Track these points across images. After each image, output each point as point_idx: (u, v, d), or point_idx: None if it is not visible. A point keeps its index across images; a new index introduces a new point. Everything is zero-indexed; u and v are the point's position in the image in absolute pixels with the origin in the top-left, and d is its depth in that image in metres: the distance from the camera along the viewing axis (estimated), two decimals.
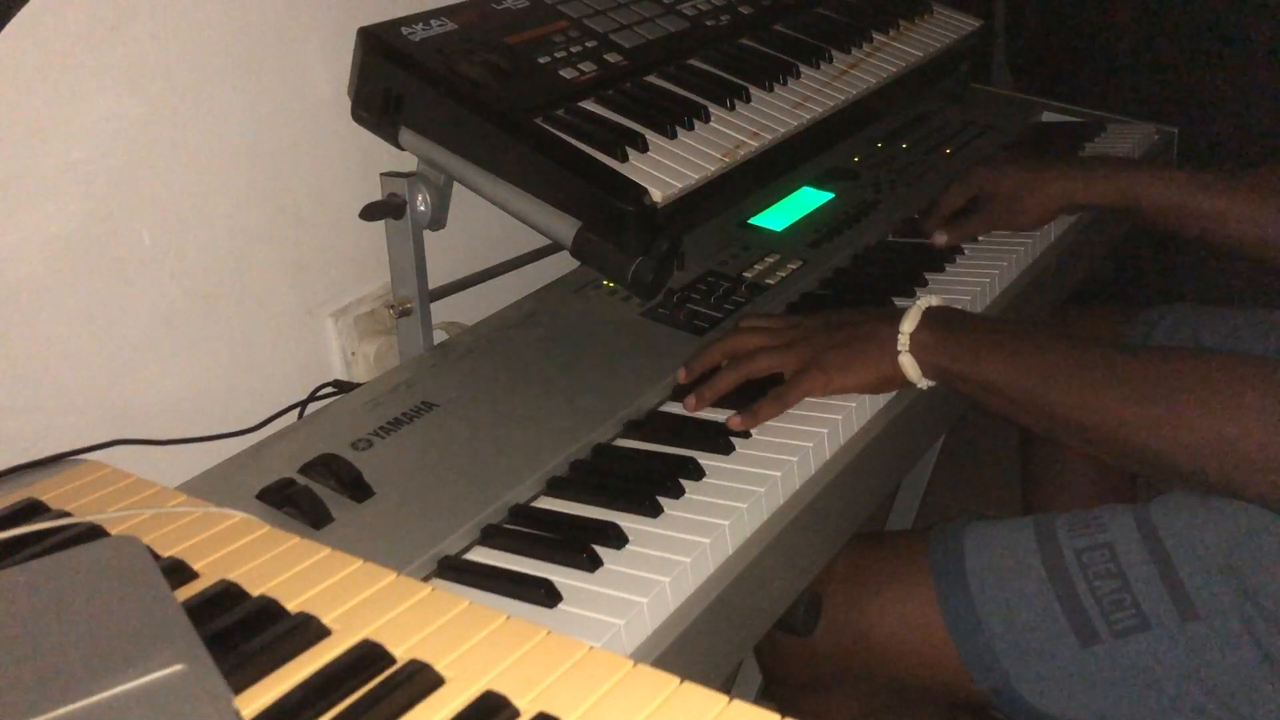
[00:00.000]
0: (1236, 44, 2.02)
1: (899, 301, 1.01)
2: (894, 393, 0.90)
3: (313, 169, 1.01)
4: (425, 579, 0.69)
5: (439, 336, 1.02)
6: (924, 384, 0.89)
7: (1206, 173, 1.09)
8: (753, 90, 1.05)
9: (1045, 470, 1.32)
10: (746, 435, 0.83)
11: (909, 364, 0.87)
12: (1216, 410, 0.75)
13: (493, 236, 1.15)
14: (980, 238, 1.14)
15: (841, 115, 1.10)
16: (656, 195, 0.87)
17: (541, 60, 0.98)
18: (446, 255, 1.06)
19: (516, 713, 0.47)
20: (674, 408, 0.89)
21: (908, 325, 0.87)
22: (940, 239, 1.12)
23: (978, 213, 1.14)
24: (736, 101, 1.02)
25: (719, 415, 0.85)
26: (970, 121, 1.46)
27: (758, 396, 0.85)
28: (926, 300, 0.90)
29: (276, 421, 0.92)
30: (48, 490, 0.67)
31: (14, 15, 0.76)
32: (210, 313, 0.94)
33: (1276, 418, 0.73)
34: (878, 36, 1.25)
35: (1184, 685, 0.83)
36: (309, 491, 0.74)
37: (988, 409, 0.88)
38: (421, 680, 0.49)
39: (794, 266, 1.09)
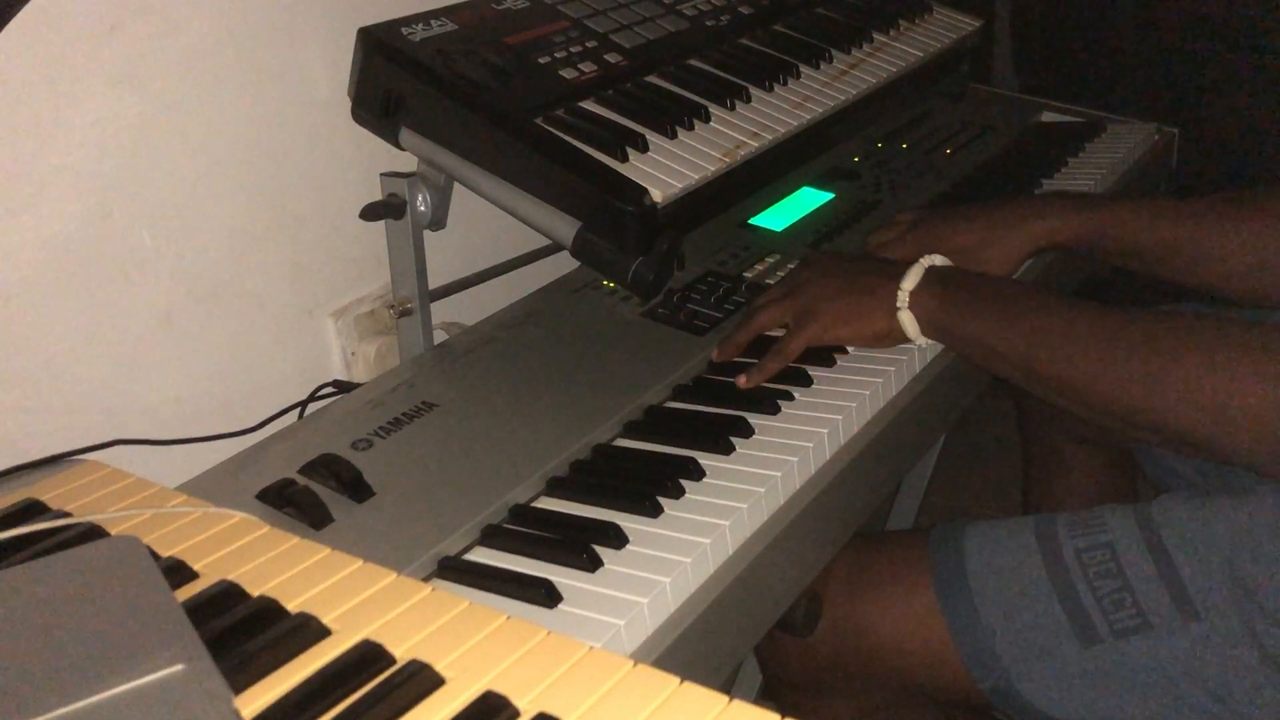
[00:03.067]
0: (1236, 44, 2.02)
1: None
2: (896, 390, 0.90)
3: (313, 169, 1.01)
4: (425, 579, 0.69)
5: (439, 336, 1.02)
6: (921, 341, 0.90)
7: (1171, 202, 1.01)
8: (753, 90, 1.05)
9: (1045, 470, 1.32)
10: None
11: (908, 321, 0.89)
12: (1205, 369, 0.75)
13: (493, 236, 1.15)
14: None
15: (842, 115, 1.10)
16: (656, 195, 0.87)
17: (541, 60, 0.98)
18: (446, 255, 1.06)
19: (516, 713, 0.47)
20: (673, 406, 0.89)
21: (908, 283, 0.89)
22: None
23: None
24: (736, 101, 1.02)
25: (719, 414, 0.85)
26: (970, 121, 1.46)
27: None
28: (930, 259, 0.91)
29: (276, 421, 0.92)
30: (48, 490, 0.67)
31: (14, 15, 0.76)
32: (210, 313, 0.94)
33: (1267, 379, 0.73)
34: (878, 36, 1.25)
35: (1184, 685, 0.83)
36: (309, 491, 0.74)
37: (984, 368, 0.89)
38: (421, 680, 0.49)
39: (794, 266, 1.09)
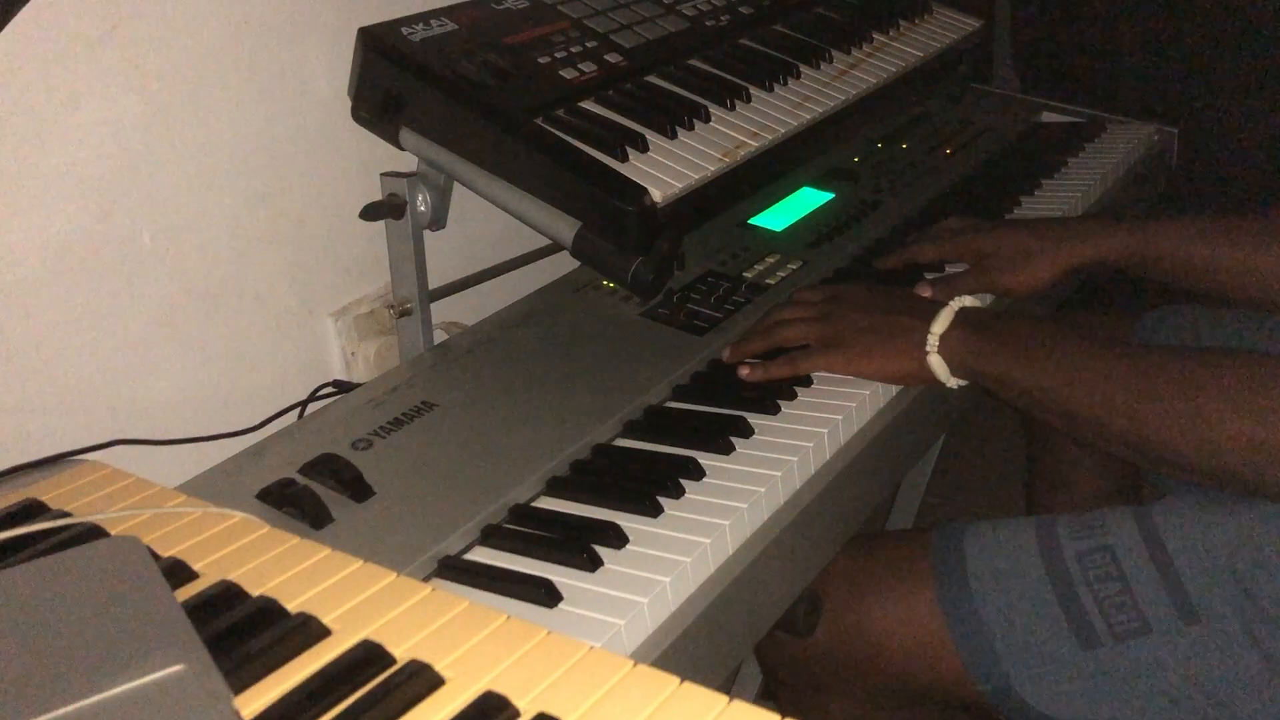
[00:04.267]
0: (1236, 44, 2.02)
1: None
2: (896, 390, 0.90)
3: (313, 169, 1.01)
4: (425, 579, 0.69)
5: (439, 336, 1.02)
6: (953, 383, 0.90)
7: (1207, 221, 1.04)
8: (753, 90, 1.05)
9: (1050, 470, 1.31)
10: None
11: (938, 364, 0.89)
12: (1243, 407, 0.75)
13: (493, 236, 1.15)
14: None
15: (841, 115, 1.10)
16: (656, 195, 0.87)
17: (541, 60, 0.98)
18: (446, 255, 1.06)
19: (516, 713, 0.47)
20: (673, 406, 0.89)
21: (939, 326, 0.89)
22: (925, 292, 1.02)
23: (974, 271, 1.05)
24: (736, 101, 1.02)
25: (719, 414, 0.85)
26: (970, 121, 1.46)
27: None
28: (960, 301, 0.91)
29: (276, 421, 0.92)
30: (48, 490, 0.67)
31: (14, 15, 0.76)
32: (210, 313, 0.94)
33: None
34: (878, 36, 1.25)
35: (1185, 688, 0.83)
36: (309, 491, 0.74)
37: (1015, 407, 0.89)
38: (421, 680, 0.49)
39: (794, 266, 1.09)
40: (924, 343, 0.88)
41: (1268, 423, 0.74)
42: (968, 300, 0.92)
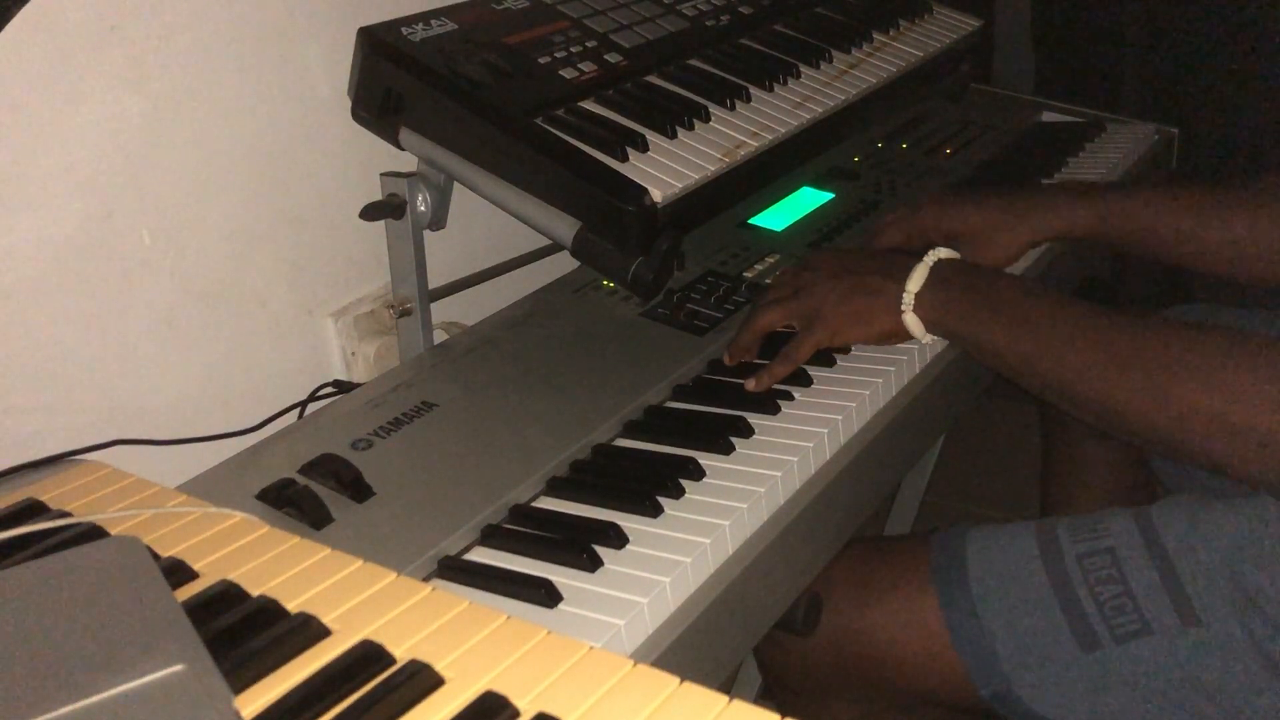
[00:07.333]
0: (1236, 44, 2.02)
1: None
2: (896, 390, 0.90)
3: (313, 169, 1.01)
4: (425, 579, 0.69)
5: (439, 336, 1.02)
6: (927, 340, 0.91)
7: (1178, 190, 1.03)
8: (753, 90, 1.05)
9: (1064, 465, 1.31)
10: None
11: (913, 322, 0.89)
12: (1212, 383, 0.75)
13: (493, 236, 1.15)
14: None
15: (842, 115, 1.10)
16: (656, 195, 0.87)
17: (541, 60, 0.98)
18: (446, 255, 1.06)
19: (516, 713, 0.47)
20: (673, 406, 0.89)
21: (913, 284, 0.89)
22: None
23: None
24: (736, 101, 1.02)
25: (719, 414, 0.85)
26: (970, 121, 1.46)
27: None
28: (935, 254, 0.91)
29: (276, 421, 0.92)
30: (48, 490, 0.67)
31: (14, 15, 0.76)
32: (210, 313, 0.94)
33: (1268, 395, 0.73)
34: (878, 36, 1.25)
35: (1185, 690, 0.83)
36: (309, 491, 0.74)
37: (989, 368, 0.89)
38: (421, 680, 0.49)
39: (796, 265, 1.08)
40: (899, 301, 0.89)
41: (1237, 399, 0.73)
42: (943, 252, 0.91)
